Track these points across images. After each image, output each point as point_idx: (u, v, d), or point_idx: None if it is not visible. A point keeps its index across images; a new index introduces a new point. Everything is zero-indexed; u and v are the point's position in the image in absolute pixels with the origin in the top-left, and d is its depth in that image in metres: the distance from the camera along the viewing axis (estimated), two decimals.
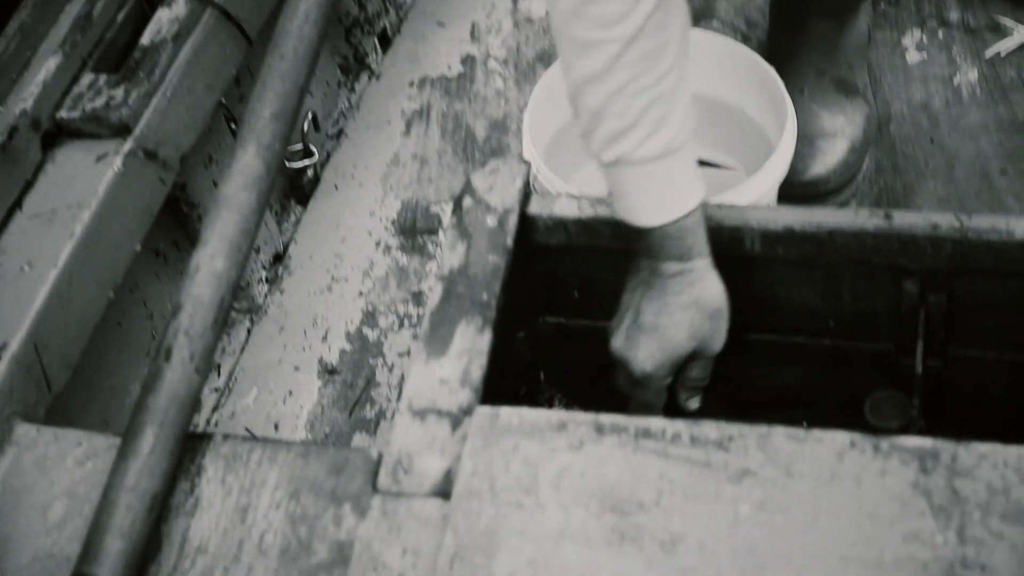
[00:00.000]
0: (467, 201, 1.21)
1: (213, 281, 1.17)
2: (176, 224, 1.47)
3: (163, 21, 1.36)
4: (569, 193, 1.23)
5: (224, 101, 1.47)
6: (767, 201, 1.39)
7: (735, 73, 1.47)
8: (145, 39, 1.36)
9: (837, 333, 1.28)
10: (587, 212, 1.21)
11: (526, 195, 1.22)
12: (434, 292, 1.15)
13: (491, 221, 1.20)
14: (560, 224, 1.22)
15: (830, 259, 1.20)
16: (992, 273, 1.17)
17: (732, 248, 1.20)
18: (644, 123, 1.06)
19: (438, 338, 1.13)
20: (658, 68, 1.05)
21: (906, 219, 1.17)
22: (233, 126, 1.52)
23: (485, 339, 1.12)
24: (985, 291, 1.20)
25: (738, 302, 1.22)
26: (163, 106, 1.33)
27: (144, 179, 1.31)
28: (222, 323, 1.16)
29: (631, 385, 1.22)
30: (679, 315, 1.16)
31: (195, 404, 1.09)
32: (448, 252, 1.18)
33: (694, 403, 1.25)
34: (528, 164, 1.22)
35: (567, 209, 1.22)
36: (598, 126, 1.08)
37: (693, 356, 1.19)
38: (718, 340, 1.18)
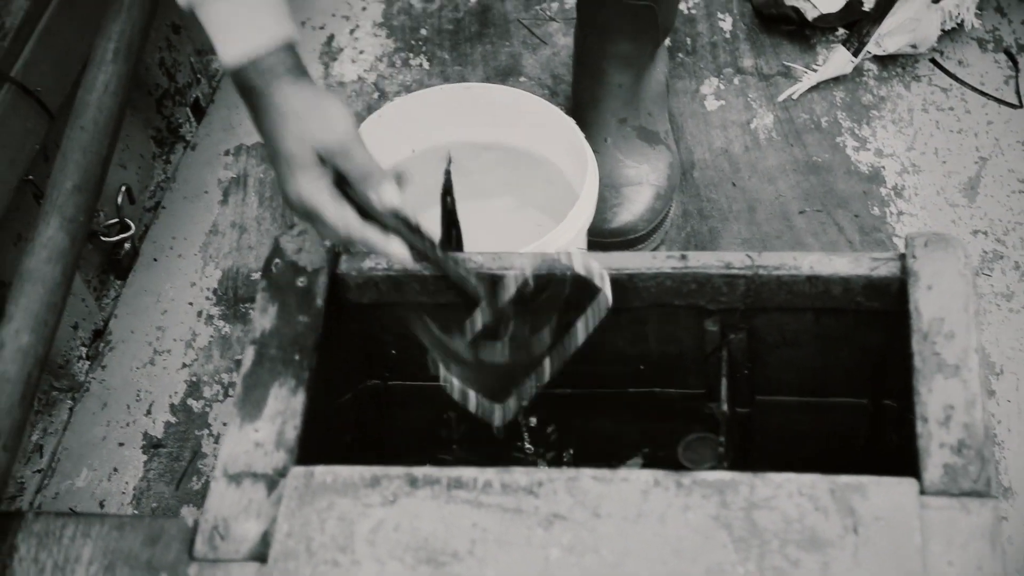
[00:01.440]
0: (276, 264, 1.22)
1: (19, 357, 1.16)
2: None
3: None
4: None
5: (32, 177, 1.46)
6: (577, 244, 1.43)
7: (540, 127, 1.51)
8: None
9: (648, 378, 1.31)
10: (397, 268, 1.23)
11: (336, 255, 1.23)
12: (247, 356, 1.16)
13: (300, 282, 1.21)
14: (370, 282, 1.24)
15: (634, 303, 1.23)
16: (785, 308, 1.22)
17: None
18: None
19: (252, 401, 1.14)
20: None
21: (700, 259, 1.21)
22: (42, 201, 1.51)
23: (299, 400, 1.13)
24: (781, 327, 1.25)
25: None
26: None
27: None
28: (31, 399, 1.16)
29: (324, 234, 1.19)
30: (275, 131, 1.16)
31: (5, 483, 1.09)
32: (259, 315, 1.19)
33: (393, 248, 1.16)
34: None
35: (376, 268, 1.23)
36: None
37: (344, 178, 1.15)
38: (329, 133, 1.14)
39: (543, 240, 1.38)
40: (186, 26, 1.80)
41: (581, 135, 1.45)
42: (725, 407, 1.28)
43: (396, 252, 1.16)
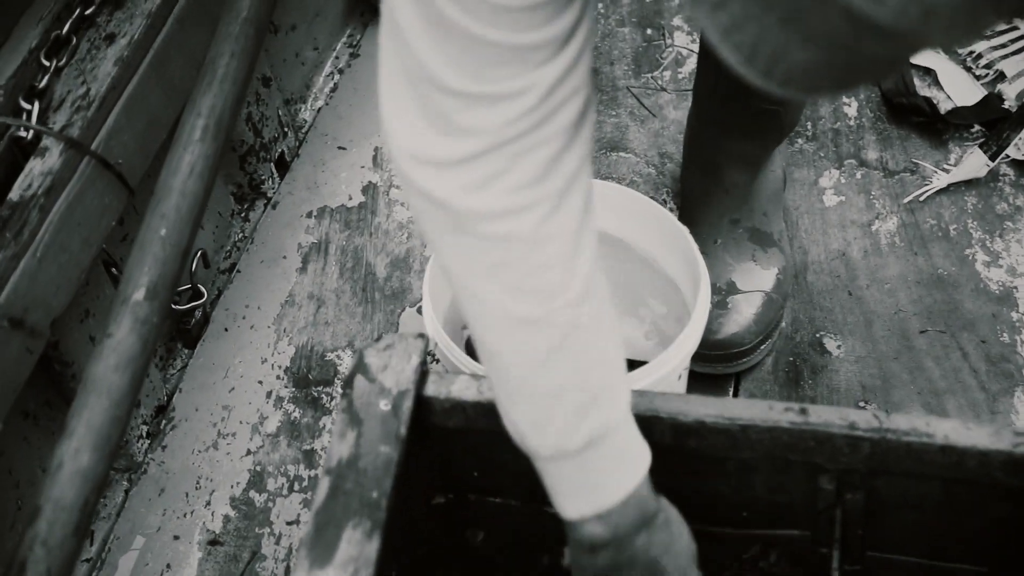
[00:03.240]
0: (359, 381, 1.12)
1: (77, 480, 1.07)
2: (48, 383, 1.35)
3: (35, 174, 1.25)
4: (470, 373, 1.15)
5: (104, 246, 1.37)
6: (681, 370, 1.32)
7: (649, 228, 1.40)
8: (14, 194, 1.23)
9: (752, 524, 1.21)
10: (487, 394, 1.12)
11: (423, 374, 1.14)
12: (320, 487, 1.07)
13: (384, 405, 1.11)
14: (458, 407, 1.14)
15: (744, 454, 1.13)
16: (912, 475, 1.12)
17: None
18: (605, 389, 0.98)
19: (323, 543, 1.04)
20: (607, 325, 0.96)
21: (822, 416, 1.10)
22: (115, 271, 1.42)
23: (374, 546, 1.04)
24: (905, 491, 1.14)
25: None
26: (32, 268, 1.21)
27: (8, 351, 1.19)
28: (86, 528, 1.07)
29: None
30: None
31: None
32: (337, 441, 1.09)
33: None
34: (425, 339, 1.14)
35: (466, 391, 1.14)
36: (556, 410, 0.96)
37: None
38: None
39: (650, 365, 1.27)
40: (275, 76, 1.70)
41: (695, 247, 1.33)
42: (837, 568, 1.18)
43: None
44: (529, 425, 0.98)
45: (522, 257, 0.89)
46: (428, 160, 0.86)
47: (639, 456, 1.02)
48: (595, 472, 0.99)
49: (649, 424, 1.13)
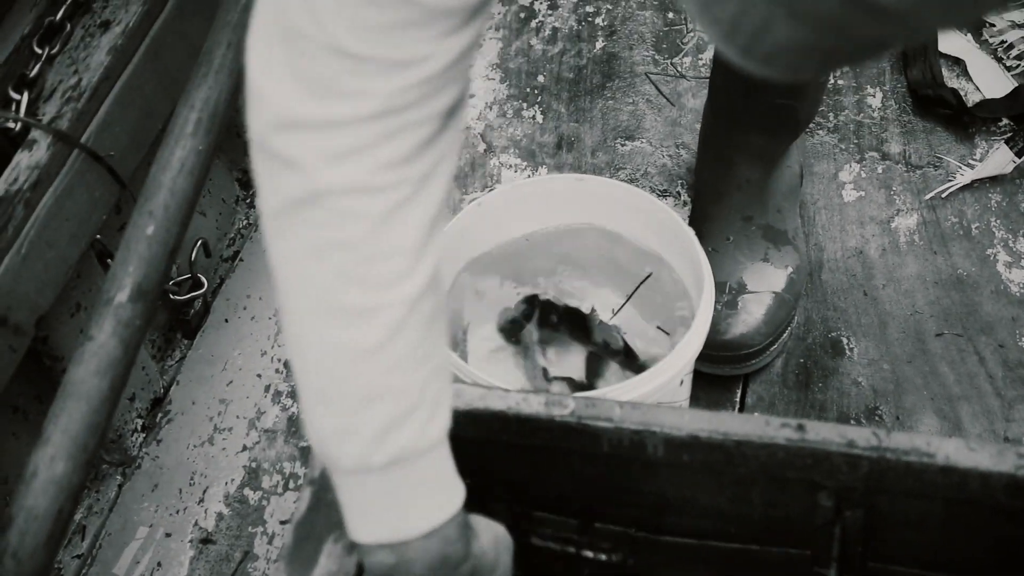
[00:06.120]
0: None
1: (51, 489, 1.05)
2: (39, 377, 1.33)
3: (21, 167, 1.22)
4: (469, 382, 1.13)
5: (100, 237, 1.34)
6: (683, 376, 1.28)
7: (656, 229, 1.35)
8: None
9: (748, 537, 1.18)
10: (475, 404, 1.09)
11: None
12: (302, 499, 1.04)
13: None
14: None
15: (739, 469, 1.10)
16: (912, 494, 1.08)
17: (634, 451, 1.10)
18: (426, 401, 0.88)
19: (302, 557, 1.02)
20: (438, 328, 0.88)
21: (820, 433, 1.07)
22: (110, 261, 1.39)
23: (353, 561, 1.01)
24: (906, 509, 1.11)
25: (643, 501, 1.14)
26: (16, 265, 1.19)
27: None
28: (59, 538, 1.04)
29: None
30: None
31: None
32: None
33: None
34: None
35: (454, 401, 1.11)
36: (367, 416, 0.86)
37: None
38: None
39: (649, 372, 1.23)
40: None
41: (701, 251, 1.28)
42: None
43: None
44: (332, 432, 0.88)
45: (367, 239, 0.82)
46: (293, 123, 0.79)
47: (451, 491, 0.93)
48: (397, 496, 0.89)
49: (641, 438, 1.10)
